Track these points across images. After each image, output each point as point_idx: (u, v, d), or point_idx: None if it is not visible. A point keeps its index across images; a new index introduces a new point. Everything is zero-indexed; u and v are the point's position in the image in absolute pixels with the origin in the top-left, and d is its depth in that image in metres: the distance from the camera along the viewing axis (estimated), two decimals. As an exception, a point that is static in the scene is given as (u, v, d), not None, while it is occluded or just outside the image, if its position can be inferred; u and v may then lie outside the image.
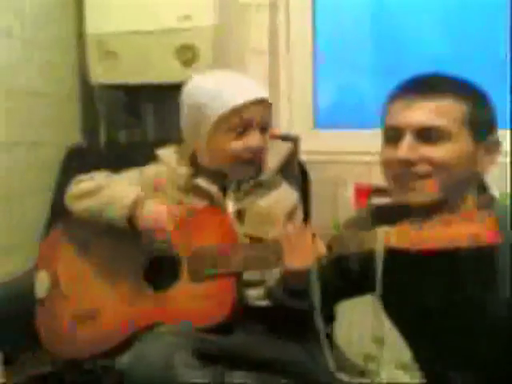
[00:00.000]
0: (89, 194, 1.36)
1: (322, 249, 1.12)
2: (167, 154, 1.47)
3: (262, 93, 1.38)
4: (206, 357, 1.16)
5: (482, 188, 1.10)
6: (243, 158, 1.37)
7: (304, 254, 1.13)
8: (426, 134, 1.03)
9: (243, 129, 1.35)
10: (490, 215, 0.95)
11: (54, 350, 1.38)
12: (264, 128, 1.38)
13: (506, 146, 1.69)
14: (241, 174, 1.40)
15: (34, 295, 1.41)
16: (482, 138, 1.05)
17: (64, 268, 1.43)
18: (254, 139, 1.36)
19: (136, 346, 1.17)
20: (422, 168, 1.03)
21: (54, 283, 1.41)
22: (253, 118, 1.35)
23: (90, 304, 1.36)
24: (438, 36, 1.99)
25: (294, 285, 1.19)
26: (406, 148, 1.03)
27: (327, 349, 1.12)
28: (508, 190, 1.57)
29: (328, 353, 1.12)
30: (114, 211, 1.31)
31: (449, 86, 1.06)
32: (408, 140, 1.03)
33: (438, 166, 1.03)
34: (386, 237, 1.04)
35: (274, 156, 1.46)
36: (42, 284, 1.42)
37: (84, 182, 1.40)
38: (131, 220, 1.31)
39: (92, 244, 1.42)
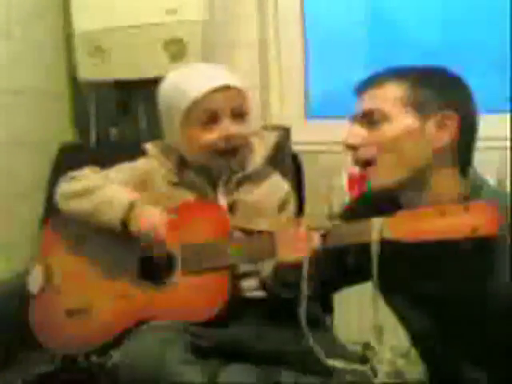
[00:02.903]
0: (81, 194, 1.34)
1: (316, 241, 1.12)
2: (155, 148, 1.45)
3: (224, 80, 1.34)
4: (200, 351, 1.16)
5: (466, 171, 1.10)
6: (219, 148, 1.34)
7: (298, 246, 1.13)
8: (367, 120, 1.08)
9: (211, 119, 1.33)
10: (489, 206, 0.95)
11: (48, 345, 1.37)
12: (237, 115, 1.35)
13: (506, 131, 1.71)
14: (223, 165, 1.38)
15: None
16: (428, 115, 1.06)
17: (58, 262, 1.42)
18: (224, 128, 1.33)
19: (128, 343, 1.16)
20: (366, 152, 1.08)
21: (48, 278, 1.41)
22: (218, 107, 1.32)
23: (84, 299, 1.35)
24: (432, 24, 1.99)
25: (287, 277, 1.19)
26: (352, 133, 1.10)
27: (311, 341, 1.13)
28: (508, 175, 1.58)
29: (314, 345, 1.13)
30: (107, 214, 1.30)
31: (385, 73, 1.11)
32: (352, 127, 1.10)
33: (380, 148, 1.07)
34: (380, 228, 1.04)
35: (262, 146, 1.45)
36: (35, 279, 1.41)
37: (76, 182, 1.38)
38: (125, 223, 1.29)
39: (86, 238, 1.40)
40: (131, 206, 1.29)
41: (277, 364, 1.22)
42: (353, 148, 1.10)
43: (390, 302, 1.18)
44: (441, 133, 1.06)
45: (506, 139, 1.71)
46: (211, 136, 1.33)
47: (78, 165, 1.44)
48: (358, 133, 1.10)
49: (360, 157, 1.10)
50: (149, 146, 1.46)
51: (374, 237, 1.04)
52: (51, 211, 1.54)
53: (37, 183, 1.91)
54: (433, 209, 1.00)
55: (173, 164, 1.41)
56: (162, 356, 1.10)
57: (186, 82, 1.35)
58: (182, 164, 1.40)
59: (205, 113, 1.32)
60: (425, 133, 1.06)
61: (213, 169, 1.38)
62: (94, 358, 1.30)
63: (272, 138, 1.49)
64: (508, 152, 1.68)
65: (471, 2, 1.93)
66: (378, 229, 1.04)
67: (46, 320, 1.38)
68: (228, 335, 1.23)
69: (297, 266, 1.13)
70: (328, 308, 1.56)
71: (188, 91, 1.33)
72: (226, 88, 1.33)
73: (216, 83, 1.32)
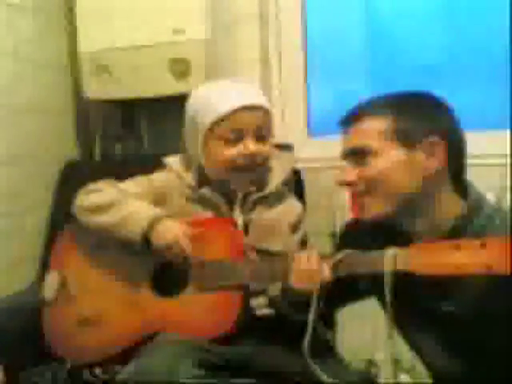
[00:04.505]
0: (102, 207, 1.35)
1: (327, 273, 1.12)
2: (175, 162, 1.46)
3: (254, 99, 1.36)
4: (210, 366, 1.16)
5: (465, 191, 1.11)
6: (239, 165, 1.35)
7: (309, 276, 1.14)
8: (355, 156, 1.11)
9: (236, 136, 1.34)
10: (505, 243, 0.94)
11: (59, 353, 1.38)
12: (261, 134, 1.36)
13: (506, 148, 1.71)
14: (241, 182, 1.39)
15: (36, 309, 1.42)
16: (415, 144, 1.07)
17: (72, 270, 1.43)
18: (246, 146, 1.34)
19: (138, 357, 1.17)
20: (361, 186, 1.10)
21: (62, 285, 1.42)
22: (244, 125, 1.34)
23: (96, 308, 1.37)
24: (432, 42, 1.99)
25: (296, 298, 1.20)
26: (344, 171, 1.13)
27: (313, 366, 1.14)
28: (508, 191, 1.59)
29: (316, 369, 1.13)
30: (129, 228, 1.30)
31: (365, 108, 1.13)
32: (345, 165, 1.13)
33: (371, 182, 1.09)
34: (394, 259, 1.05)
35: (280, 168, 1.46)
36: (50, 285, 1.43)
37: (96, 195, 1.38)
38: (146, 238, 1.30)
39: (101, 248, 1.41)
40: (154, 221, 1.30)
41: (283, 380, 1.23)
42: (346, 184, 1.13)
43: (400, 328, 1.18)
44: (429, 160, 1.07)
45: (506, 156, 1.72)
46: (233, 152, 1.34)
47: (83, 181, 1.46)
48: (350, 169, 1.12)
49: (355, 191, 1.12)
50: (169, 160, 1.47)
51: (388, 268, 1.05)
52: (57, 229, 1.56)
53: (40, 200, 1.93)
54: (448, 243, 1.00)
55: (192, 179, 1.42)
56: (172, 371, 1.11)
57: (216, 97, 1.35)
58: (202, 180, 1.41)
59: (230, 129, 1.34)
60: (413, 162, 1.07)
61: (231, 184, 1.39)
62: (98, 372, 1.30)
63: (290, 161, 1.50)
64: (508, 169, 1.69)
65: (472, 16, 1.94)
66: (392, 260, 1.05)
67: (57, 327, 1.40)
68: (237, 351, 1.24)
69: (306, 294, 1.14)
70: (330, 323, 1.56)
71: (217, 106, 1.34)
72: (254, 107, 1.35)
73: (245, 102, 1.33)
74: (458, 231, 1.07)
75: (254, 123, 1.35)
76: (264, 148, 1.37)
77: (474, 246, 0.97)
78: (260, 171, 1.41)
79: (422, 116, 1.09)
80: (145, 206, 1.35)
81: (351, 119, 1.13)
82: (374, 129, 1.09)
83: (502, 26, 1.81)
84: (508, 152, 1.69)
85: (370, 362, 1.86)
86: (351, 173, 1.11)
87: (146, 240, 1.30)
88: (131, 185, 1.43)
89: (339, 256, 1.13)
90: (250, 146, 1.34)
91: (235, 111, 1.33)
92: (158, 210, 1.34)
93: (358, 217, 1.18)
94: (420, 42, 2.00)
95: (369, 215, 1.12)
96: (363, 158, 1.09)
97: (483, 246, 0.96)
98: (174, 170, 1.44)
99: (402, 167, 1.07)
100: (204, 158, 1.39)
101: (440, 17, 1.98)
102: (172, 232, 1.29)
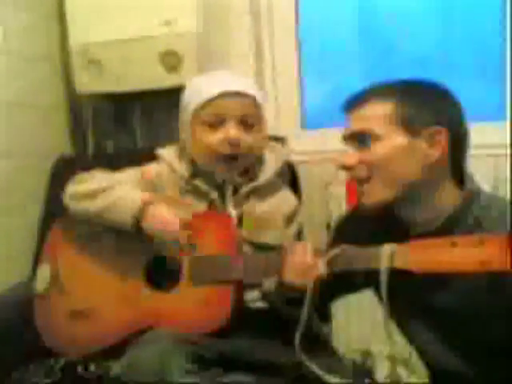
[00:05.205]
0: (93, 194, 1.34)
1: (322, 269, 1.11)
2: (168, 153, 1.46)
3: (239, 86, 1.36)
4: (202, 360, 1.16)
5: (462, 182, 1.11)
6: (222, 152, 1.35)
7: (303, 272, 1.13)
8: (358, 140, 1.10)
9: (218, 121, 1.35)
10: (503, 239, 0.93)
11: (52, 346, 1.37)
12: (246, 124, 1.36)
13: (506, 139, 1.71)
14: (225, 171, 1.38)
15: (27, 305, 1.41)
16: (418, 131, 1.06)
17: (64, 263, 1.42)
18: (227, 131, 1.34)
19: (131, 352, 1.16)
20: (361, 172, 1.10)
21: (54, 278, 1.41)
22: (226, 111, 1.34)
23: (88, 301, 1.36)
24: (427, 35, 1.99)
25: (289, 295, 1.19)
26: (345, 155, 1.12)
27: (305, 360, 1.13)
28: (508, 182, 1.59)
29: (306, 360, 1.13)
30: (120, 212, 1.30)
31: (370, 92, 1.12)
32: (347, 148, 1.12)
33: (373, 167, 1.08)
34: (390, 256, 1.04)
35: (273, 160, 1.45)
36: (42, 278, 1.42)
37: (86, 183, 1.38)
38: (137, 223, 1.29)
39: (93, 241, 1.41)
40: (144, 205, 1.29)
41: (277, 374, 1.22)
42: (347, 168, 1.12)
43: (393, 313, 1.18)
44: (431, 148, 1.07)
45: (506, 146, 1.72)
46: (214, 137, 1.34)
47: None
48: (351, 153, 1.11)
49: (355, 176, 1.12)
50: (162, 152, 1.47)
51: (384, 265, 1.04)
52: (49, 224, 1.55)
53: (33, 196, 1.91)
54: (445, 240, 0.99)
55: (185, 170, 1.41)
56: (164, 366, 1.10)
57: (203, 84, 1.38)
58: (195, 171, 1.41)
59: (213, 114, 1.35)
60: (415, 149, 1.07)
61: (215, 174, 1.38)
62: (92, 368, 1.30)
63: (284, 152, 1.50)
64: (508, 159, 1.69)
65: (466, 9, 1.94)
66: (388, 257, 1.04)
67: (49, 321, 1.39)
68: (230, 345, 1.23)
69: (300, 290, 1.13)
70: (325, 316, 1.56)
71: (201, 92, 1.36)
72: (239, 95, 1.35)
73: (228, 88, 1.34)
74: (454, 221, 1.07)
75: (237, 110, 1.35)
76: (248, 136, 1.36)
77: (470, 242, 0.96)
78: (245, 161, 1.39)
79: (426, 104, 1.08)
80: (135, 191, 1.34)
81: (355, 103, 1.12)
82: (377, 113, 1.08)
83: (495, 19, 1.82)
84: (508, 142, 1.69)
85: (366, 353, 1.86)
86: (352, 156, 1.11)
87: (137, 224, 1.29)
88: (122, 174, 1.43)
89: (335, 252, 1.12)
90: (231, 131, 1.34)
91: (218, 96, 1.34)
92: (148, 194, 1.33)
93: (356, 204, 1.17)
94: (413, 36, 1.99)
95: (368, 202, 1.11)
96: (365, 141, 1.09)
97: (480, 241, 0.95)
98: (167, 160, 1.44)
99: (404, 153, 1.07)
100: (191, 146, 1.39)
101: (434, 11, 1.98)
102: (161, 216, 1.28)
